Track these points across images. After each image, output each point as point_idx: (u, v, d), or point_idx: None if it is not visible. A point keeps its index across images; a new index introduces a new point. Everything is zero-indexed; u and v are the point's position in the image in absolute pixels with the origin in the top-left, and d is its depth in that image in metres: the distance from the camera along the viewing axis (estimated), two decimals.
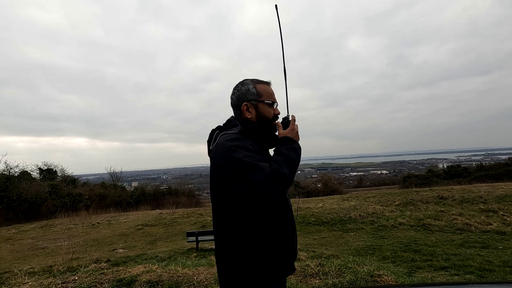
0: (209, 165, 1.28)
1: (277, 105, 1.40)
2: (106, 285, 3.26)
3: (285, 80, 1.51)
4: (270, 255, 1.18)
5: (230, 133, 1.26)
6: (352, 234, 8.54)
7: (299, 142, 1.34)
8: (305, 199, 18.29)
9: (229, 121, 1.39)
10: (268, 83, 1.40)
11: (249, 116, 1.35)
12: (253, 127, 1.31)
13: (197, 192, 29.84)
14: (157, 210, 18.28)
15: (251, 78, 1.40)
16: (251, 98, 1.35)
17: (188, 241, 8.01)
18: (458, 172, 28.08)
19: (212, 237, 7.42)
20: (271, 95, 1.38)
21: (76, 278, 3.51)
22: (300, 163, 1.38)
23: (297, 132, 1.35)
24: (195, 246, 7.77)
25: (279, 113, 1.39)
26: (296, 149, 1.27)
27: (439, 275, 4.32)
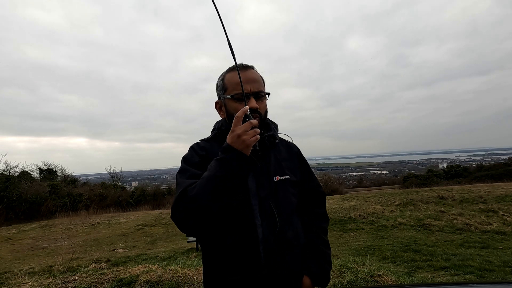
0: None
1: (253, 95, 1.06)
2: (106, 285, 3.25)
3: (234, 60, 1.05)
4: (232, 264, 1.02)
5: (199, 141, 1.18)
6: (352, 234, 8.53)
7: (247, 146, 0.93)
8: None
9: (214, 126, 1.23)
10: (238, 69, 1.05)
11: (223, 116, 1.15)
12: (225, 130, 1.09)
13: None
14: (157, 210, 18.28)
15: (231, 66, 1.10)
16: (219, 94, 1.13)
17: (188, 241, 8.00)
18: (458, 172, 28.10)
19: None
20: (237, 85, 1.03)
21: (76, 278, 3.50)
22: None
23: (239, 134, 0.92)
24: (195, 246, 7.76)
25: (252, 107, 1.04)
26: (223, 161, 0.93)
27: (439, 275, 4.32)
